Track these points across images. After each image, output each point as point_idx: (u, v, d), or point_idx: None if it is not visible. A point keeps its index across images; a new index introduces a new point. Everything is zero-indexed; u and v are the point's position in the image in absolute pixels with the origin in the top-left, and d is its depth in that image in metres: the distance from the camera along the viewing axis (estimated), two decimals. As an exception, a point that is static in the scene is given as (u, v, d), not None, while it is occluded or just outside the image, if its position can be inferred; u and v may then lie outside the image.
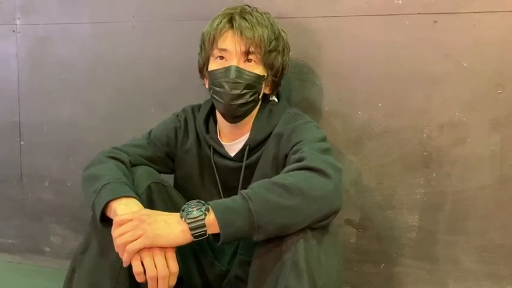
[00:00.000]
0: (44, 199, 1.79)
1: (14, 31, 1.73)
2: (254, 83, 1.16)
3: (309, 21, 1.40)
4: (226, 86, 1.14)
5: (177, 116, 1.32)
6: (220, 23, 1.17)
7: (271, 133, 1.19)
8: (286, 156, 1.13)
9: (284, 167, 1.05)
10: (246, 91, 1.15)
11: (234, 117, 1.19)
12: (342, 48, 1.39)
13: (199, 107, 1.32)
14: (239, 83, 1.14)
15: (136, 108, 1.62)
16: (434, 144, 1.33)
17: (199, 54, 1.24)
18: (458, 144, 1.32)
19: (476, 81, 1.28)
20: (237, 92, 1.14)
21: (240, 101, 1.15)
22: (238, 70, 1.14)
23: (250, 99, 1.16)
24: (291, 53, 1.26)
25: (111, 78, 1.65)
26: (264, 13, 1.21)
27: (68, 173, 1.74)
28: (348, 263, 1.42)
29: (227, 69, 1.15)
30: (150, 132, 1.30)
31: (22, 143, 1.79)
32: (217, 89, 1.16)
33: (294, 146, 1.10)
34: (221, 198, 1.20)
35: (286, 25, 1.31)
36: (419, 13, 1.30)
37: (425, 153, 1.34)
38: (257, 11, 1.21)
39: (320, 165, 0.97)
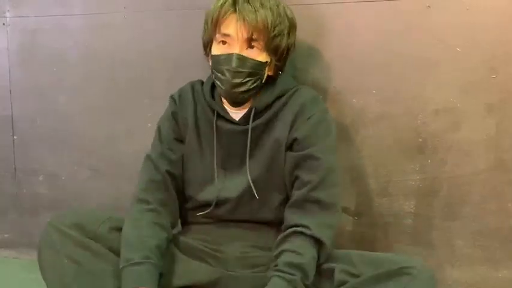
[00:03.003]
0: (39, 193, 1.78)
1: (4, 24, 1.71)
2: (257, 70, 1.15)
3: (300, 9, 1.38)
4: (228, 74, 1.13)
5: (171, 99, 1.29)
6: (224, 4, 1.13)
7: (276, 98, 1.20)
8: (293, 141, 1.16)
9: (289, 150, 1.15)
10: (248, 79, 1.14)
11: (235, 102, 1.19)
12: (334, 35, 1.38)
13: (201, 82, 1.29)
14: (241, 72, 1.13)
15: (130, 99, 1.61)
16: (429, 130, 1.33)
17: (203, 31, 1.22)
18: (453, 130, 1.31)
19: (470, 66, 1.28)
20: (239, 80, 1.13)
21: (242, 89, 1.15)
22: (240, 58, 1.13)
23: (252, 86, 1.16)
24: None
25: (104, 69, 1.63)
26: None
27: (62, 167, 1.72)
28: (344, 251, 1.42)
29: (229, 57, 1.13)
30: (160, 137, 1.26)
31: (15, 137, 1.78)
32: (219, 75, 1.15)
33: (306, 147, 1.15)
34: (216, 164, 1.22)
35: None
36: (412, -2, 1.30)
37: (420, 139, 1.34)
38: None
39: (323, 236, 1.10)
